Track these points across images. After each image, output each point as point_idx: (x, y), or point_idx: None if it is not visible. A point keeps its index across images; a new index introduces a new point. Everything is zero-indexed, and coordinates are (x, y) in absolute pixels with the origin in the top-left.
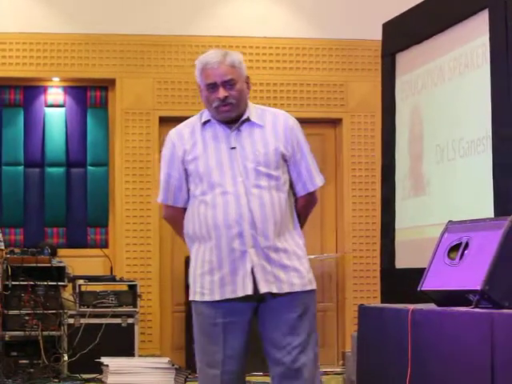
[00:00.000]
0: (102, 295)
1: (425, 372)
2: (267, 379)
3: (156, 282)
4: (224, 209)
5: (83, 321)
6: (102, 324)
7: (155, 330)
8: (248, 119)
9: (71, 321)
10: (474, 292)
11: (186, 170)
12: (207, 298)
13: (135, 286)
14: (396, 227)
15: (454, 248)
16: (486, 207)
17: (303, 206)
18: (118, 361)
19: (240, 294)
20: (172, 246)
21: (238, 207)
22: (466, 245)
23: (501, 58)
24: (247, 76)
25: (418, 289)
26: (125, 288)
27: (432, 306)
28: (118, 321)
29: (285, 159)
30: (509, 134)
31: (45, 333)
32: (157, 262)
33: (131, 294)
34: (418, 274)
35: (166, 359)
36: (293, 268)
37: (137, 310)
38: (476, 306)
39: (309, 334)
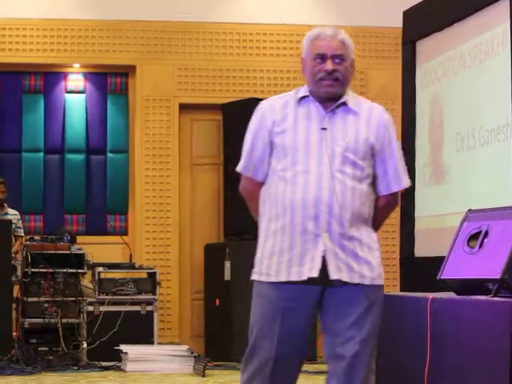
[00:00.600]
0: (121, 283)
1: (444, 360)
2: None
3: (175, 270)
4: (304, 188)
5: (102, 308)
6: (121, 311)
7: (174, 318)
8: (345, 103)
9: (90, 308)
10: (493, 281)
11: (271, 143)
12: (273, 279)
13: (154, 273)
14: (416, 215)
15: (474, 236)
16: (506, 196)
17: (383, 207)
18: (137, 348)
19: (305, 277)
20: (191, 233)
21: (318, 189)
22: (486, 233)
23: None
24: (353, 59)
25: (438, 277)
26: (144, 275)
27: (451, 295)
28: (137, 308)
29: (373, 153)
30: None
31: (64, 320)
32: (176, 249)
33: (150, 282)
34: (437, 262)
35: (185, 347)
36: (365, 260)
37: (156, 297)
38: (495, 295)
39: (371, 332)
